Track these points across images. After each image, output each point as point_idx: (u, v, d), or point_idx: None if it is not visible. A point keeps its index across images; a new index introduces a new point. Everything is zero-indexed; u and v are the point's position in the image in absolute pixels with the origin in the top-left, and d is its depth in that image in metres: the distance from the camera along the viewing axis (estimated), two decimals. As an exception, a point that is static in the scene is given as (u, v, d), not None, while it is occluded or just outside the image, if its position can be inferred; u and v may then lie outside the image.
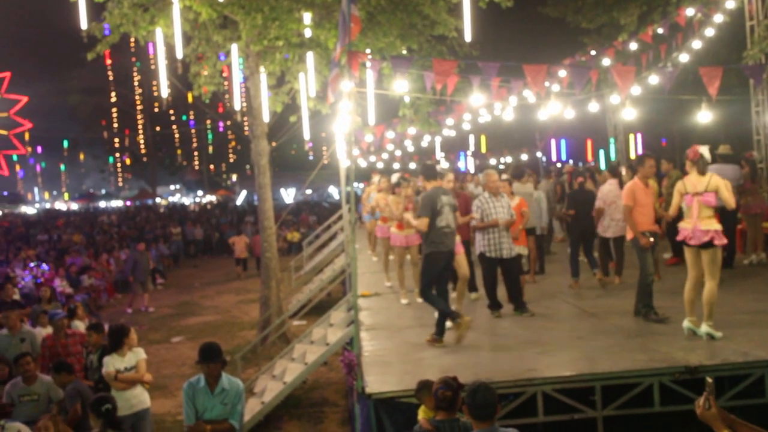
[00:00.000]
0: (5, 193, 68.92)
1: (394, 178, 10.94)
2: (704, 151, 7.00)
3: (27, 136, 59.83)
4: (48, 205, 67.92)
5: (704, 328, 6.90)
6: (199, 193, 66.06)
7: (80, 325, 10.05)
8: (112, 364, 7.11)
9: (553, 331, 7.78)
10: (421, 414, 5.15)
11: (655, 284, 8.12)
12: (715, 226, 6.86)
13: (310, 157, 53.46)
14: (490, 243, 8.40)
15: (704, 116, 9.83)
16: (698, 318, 7.01)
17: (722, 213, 7.31)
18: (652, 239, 7.77)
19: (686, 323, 7.12)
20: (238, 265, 23.20)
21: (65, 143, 77.22)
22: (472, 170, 34.00)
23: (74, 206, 61.40)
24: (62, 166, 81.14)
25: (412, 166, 35.92)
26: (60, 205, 66.53)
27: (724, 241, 6.92)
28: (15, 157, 61.31)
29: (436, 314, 7.50)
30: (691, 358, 6.31)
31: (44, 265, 19.48)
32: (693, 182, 6.99)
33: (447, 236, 7.47)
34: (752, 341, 6.71)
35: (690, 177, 7.08)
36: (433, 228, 7.41)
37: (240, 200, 54.94)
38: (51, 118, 65.11)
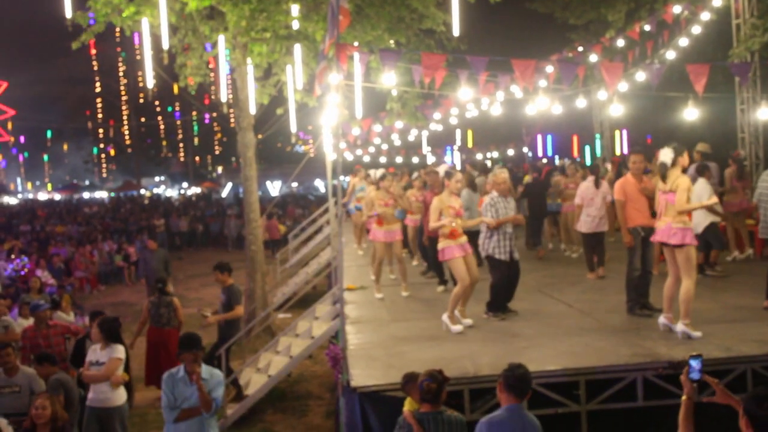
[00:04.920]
0: (-13, 183, 68.12)
1: (379, 172, 10.91)
2: (665, 156, 6.89)
3: (10, 125, 59.10)
4: (31, 196, 67.17)
5: (680, 327, 6.86)
6: (184, 185, 65.66)
7: (64, 317, 9.97)
8: (89, 354, 7.14)
9: (537, 325, 7.80)
10: (407, 406, 5.15)
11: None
12: (687, 224, 6.83)
13: (298, 149, 53.45)
14: (500, 245, 8.19)
15: (690, 113, 9.89)
16: (675, 315, 7.03)
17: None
18: (642, 234, 7.74)
19: (662, 319, 7.12)
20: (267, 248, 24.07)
21: (49, 133, 76.34)
22: (458, 165, 33.87)
23: (57, 197, 60.77)
24: (45, 157, 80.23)
25: (399, 160, 35.94)
26: (43, 196, 65.80)
27: (691, 241, 6.81)
28: (-1, 146, 60.74)
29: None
30: (674, 352, 6.35)
31: (24, 257, 19.24)
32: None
33: None
34: (735, 337, 6.75)
35: None
36: None
37: (225, 192, 54.59)
38: (34, 107, 64.39)
